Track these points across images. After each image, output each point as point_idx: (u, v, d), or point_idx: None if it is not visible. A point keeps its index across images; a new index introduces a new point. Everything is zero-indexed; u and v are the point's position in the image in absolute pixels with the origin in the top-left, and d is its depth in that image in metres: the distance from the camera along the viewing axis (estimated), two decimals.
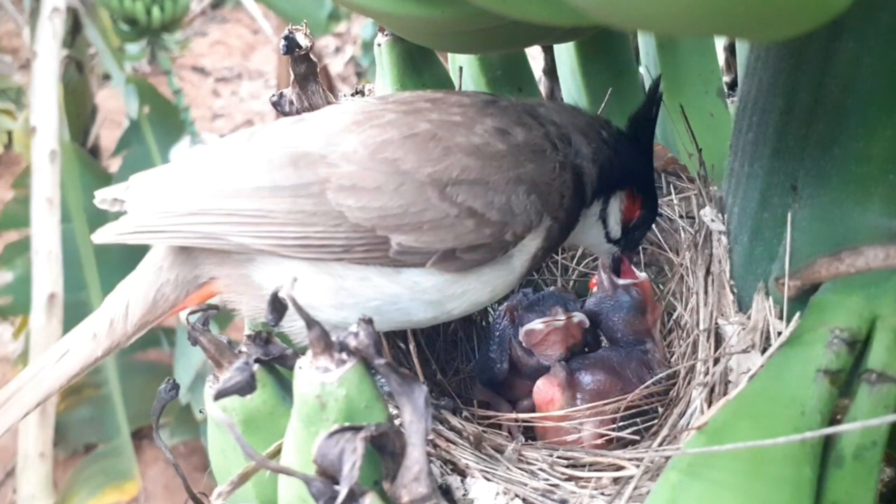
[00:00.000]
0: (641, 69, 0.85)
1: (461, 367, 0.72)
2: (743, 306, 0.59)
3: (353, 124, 0.54)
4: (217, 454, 0.58)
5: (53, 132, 1.72)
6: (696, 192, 0.70)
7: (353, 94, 0.72)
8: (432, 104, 0.56)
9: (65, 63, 2.02)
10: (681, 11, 0.30)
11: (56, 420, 1.63)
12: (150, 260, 0.57)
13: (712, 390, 0.54)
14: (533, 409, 0.62)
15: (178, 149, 2.15)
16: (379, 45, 0.72)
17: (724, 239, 0.62)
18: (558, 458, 0.54)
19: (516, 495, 0.50)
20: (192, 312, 0.55)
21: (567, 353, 0.63)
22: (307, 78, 0.64)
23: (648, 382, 0.60)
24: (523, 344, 0.64)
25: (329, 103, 0.64)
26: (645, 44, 0.86)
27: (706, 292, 0.62)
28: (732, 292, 0.60)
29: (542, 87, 0.88)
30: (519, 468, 0.53)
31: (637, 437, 0.59)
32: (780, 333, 0.53)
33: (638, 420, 0.59)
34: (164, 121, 2.21)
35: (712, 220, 0.64)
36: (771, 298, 0.56)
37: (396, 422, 0.43)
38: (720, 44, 0.91)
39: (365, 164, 0.52)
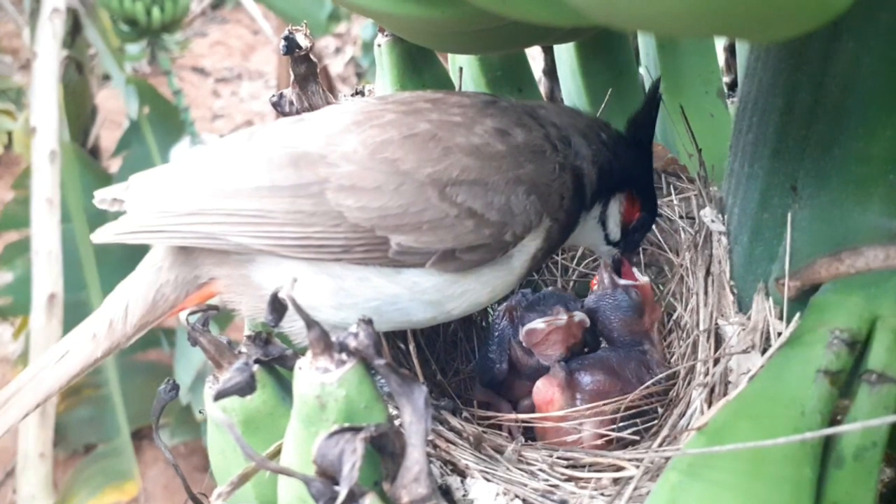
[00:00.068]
0: (641, 69, 0.85)
1: (461, 368, 0.72)
2: (743, 307, 0.59)
3: (352, 124, 0.54)
4: (217, 454, 0.58)
5: (53, 132, 1.72)
6: (696, 193, 0.70)
7: (353, 95, 0.72)
8: (432, 104, 0.56)
9: (65, 63, 2.02)
10: (681, 12, 0.30)
11: (56, 420, 1.63)
12: (149, 260, 0.57)
13: (712, 391, 0.54)
14: (533, 410, 0.62)
15: (178, 149, 2.15)
16: (379, 45, 0.72)
17: (724, 239, 0.62)
18: (558, 458, 0.54)
19: (516, 496, 0.50)
20: (192, 313, 0.55)
21: (567, 354, 0.63)
22: (307, 78, 0.64)
23: (648, 383, 0.60)
24: (523, 344, 0.63)
25: (329, 104, 0.64)
26: (645, 44, 0.86)
27: (706, 293, 0.62)
28: (732, 293, 0.60)
29: (542, 88, 0.87)
30: (519, 469, 0.53)
31: (637, 438, 0.59)
32: (780, 334, 0.53)
33: (638, 420, 0.59)
34: (164, 121, 2.21)
35: (712, 221, 0.64)
36: (771, 299, 0.56)
37: (396, 422, 0.43)
38: (720, 44, 0.91)
39: (364, 164, 0.51)
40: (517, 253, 0.55)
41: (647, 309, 0.65)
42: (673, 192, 0.74)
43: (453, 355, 0.73)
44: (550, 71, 0.88)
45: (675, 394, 0.60)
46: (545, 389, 0.60)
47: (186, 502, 0.55)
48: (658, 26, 0.42)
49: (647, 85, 0.72)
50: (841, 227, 0.51)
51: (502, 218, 0.52)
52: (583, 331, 0.64)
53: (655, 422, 0.59)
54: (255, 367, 0.50)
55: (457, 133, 0.53)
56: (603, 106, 0.78)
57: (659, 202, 0.69)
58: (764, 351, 0.53)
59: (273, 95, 0.65)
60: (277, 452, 0.49)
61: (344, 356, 0.42)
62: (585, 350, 0.65)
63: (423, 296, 0.53)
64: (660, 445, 0.54)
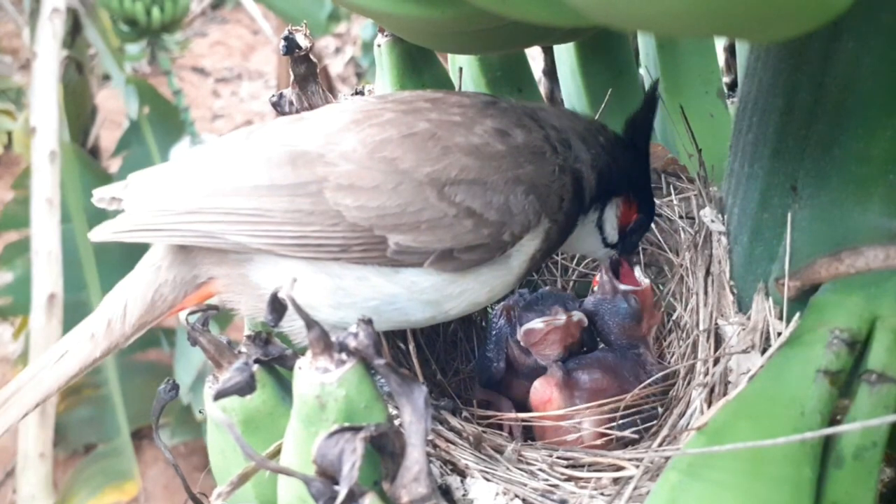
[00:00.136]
0: (641, 69, 0.85)
1: (461, 368, 0.72)
2: (743, 307, 0.59)
3: (351, 123, 0.54)
4: (217, 454, 0.58)
5: (53, 132, 1.72)
6: (696, 193, 0.70)
7: (352, 95, 0.72)
8: (432, 104, 0.56)
9: (65, 63, 2.02)
10: (680, 12, 0.30)
11: (56, 420, 1.64)
12: (148, 260, 0.57)
13: (712, 391, 0.54)
14: (531, 410, 0.61)
15: (178, 149, 2.15)
16: (379, 45, 0.72)
17: (723, 239, 0.62)
18: (558, 458, 0.54)
19: (516, 495, 0.50)
20: (192, 313, 0.55)
21: (565, 353, 0.63)
22: (307, 78, 0.64)
23: (648, 381, 0.60)
24: (521, 343, 0.63)
25: (328, 104, 0.64)
26: (645, 44, 0.86)
27: (706, 293, 0.62)
28: (732, 293, 0.60)
29: (542, 88, 0.87)
30: (518, 468, 0.53)
31: (637, 437, 0.59)
32: (779, 334, 0.52)
33: (638, 420, 0.59)
34: (164, 121, 2.21)
35: (712, 221, 0.64)
36: (771, 299, 0.56)
37: (396, 422, 0.43)
38: (720, 44, 0.91)
39: (363, 163, 0.51)
40: (516, 253, 0.55)
41: (646, 315, 0.65)
42: (673, 192, 0.74)
43: (453, 355, 0.73)
44: (550, 71, 0.88)
45: (674, 393, 0.60)
46: (543, 389, 0.60)
47: (186, 502, 0.55)
48: (658, 26, 0.42)
49: (647, 85, 0.72)
50: (841, 227, 0.51)
51: (501, 218, 0.52)
52: (581, 331, 0.64)
53: (655, 421, 0.59)
54: (255, 367, 0.50)
55: (456, 133, 0.53)
56: (603, 106, 0.78)
57: (659, 202, 0.69)
58: (764, 351, 0.53)
59: (273, 95, 0.65)
60: (277, 452, 0.49)
61: (344, 356, 0.42)
62: (583, 350, 0.65)
63: (421, 295, 0.53)
64: (660, 445, 0.54)
